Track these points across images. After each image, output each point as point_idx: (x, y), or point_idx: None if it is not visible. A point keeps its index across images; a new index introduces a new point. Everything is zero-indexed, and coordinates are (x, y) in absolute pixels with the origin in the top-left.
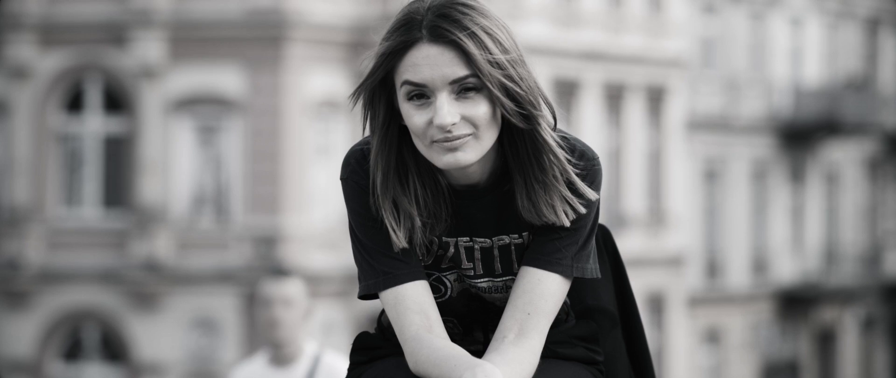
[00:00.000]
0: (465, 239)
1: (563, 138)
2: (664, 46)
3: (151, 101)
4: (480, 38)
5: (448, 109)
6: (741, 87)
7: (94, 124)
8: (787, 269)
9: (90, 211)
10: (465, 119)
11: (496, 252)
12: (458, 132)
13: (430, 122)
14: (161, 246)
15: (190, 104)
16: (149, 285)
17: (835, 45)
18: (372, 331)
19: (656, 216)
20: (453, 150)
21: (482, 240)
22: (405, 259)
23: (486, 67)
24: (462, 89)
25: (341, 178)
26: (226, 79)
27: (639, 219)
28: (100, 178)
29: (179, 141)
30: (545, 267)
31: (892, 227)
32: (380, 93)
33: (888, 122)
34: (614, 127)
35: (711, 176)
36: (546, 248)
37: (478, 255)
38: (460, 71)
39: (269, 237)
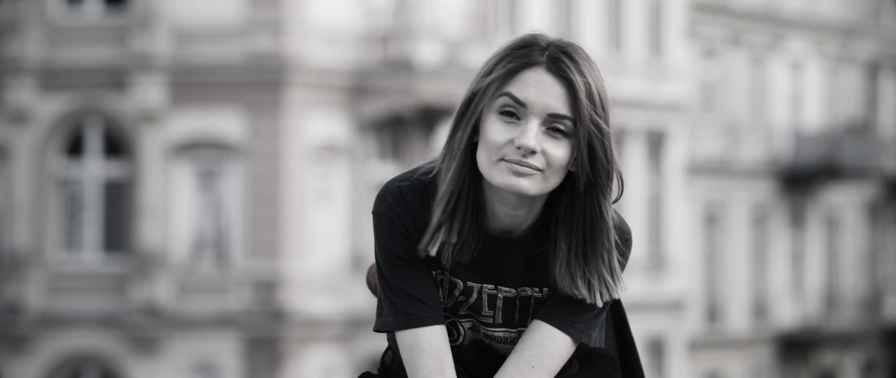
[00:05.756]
0: (490, 286)
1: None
2: (664, 91)
3: (151, 145)
4: (592, 92)
5: (535, 135)
6: (741, 132)
7: (94, 168)
8: (788, 313)
9: (90, 255)
10: (544, 154)
11: (518, 303)
12: (533, 161)
13: (510, 142)
14: (161, 290)
15: (190, 148)
16: (149, 330)
17: (835, 89)
18: (374, 372)
19: (656, 260)
20: (519, 174)
21: (507, 289)
22: (428, 301)
23: (586, 119)
24: (552, 127)
25: (374, 213)
26: (226, 123)
27: (639, 263)
28: (100, 222)
29: (179, 185)
30: (559, 326)
31: (893, 271)
32: (474, 110)
33: (888, 167)
34: None
35: (711, 220)
36: (565, 308)
37: (500, 304)
38: (563, 109)
39: (270, 281)
